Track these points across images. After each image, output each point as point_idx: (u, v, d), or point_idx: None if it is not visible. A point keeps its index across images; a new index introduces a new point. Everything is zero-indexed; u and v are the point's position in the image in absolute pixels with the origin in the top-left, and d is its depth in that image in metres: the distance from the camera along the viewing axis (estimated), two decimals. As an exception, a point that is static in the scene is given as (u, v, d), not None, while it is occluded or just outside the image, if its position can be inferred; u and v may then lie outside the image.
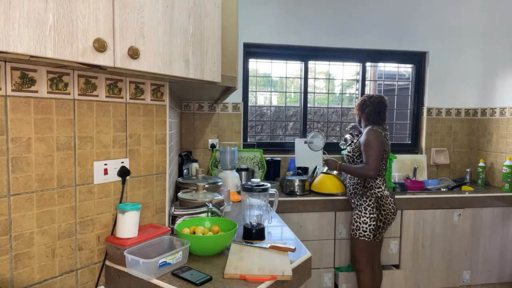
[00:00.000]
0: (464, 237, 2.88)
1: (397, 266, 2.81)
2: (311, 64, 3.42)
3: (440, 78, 3.44)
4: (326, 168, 2.90)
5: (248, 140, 3.31)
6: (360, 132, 2.58)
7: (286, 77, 3.46)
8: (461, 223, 2.86)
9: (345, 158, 2.55)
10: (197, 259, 1.34)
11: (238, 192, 2.45)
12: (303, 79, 3.38)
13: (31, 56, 0.90)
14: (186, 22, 1.27)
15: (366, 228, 2.34)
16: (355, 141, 2.53)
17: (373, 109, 2.44)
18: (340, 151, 3.23)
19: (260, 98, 3.63)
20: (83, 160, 1.26)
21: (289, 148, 3.32)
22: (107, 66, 1.04)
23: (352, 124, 2.82)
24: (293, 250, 1.41)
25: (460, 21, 3.41)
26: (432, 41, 3.39)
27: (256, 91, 3.46)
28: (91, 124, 1.27)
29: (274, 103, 3.58)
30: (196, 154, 3.08)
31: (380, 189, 2.37)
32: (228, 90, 2.00)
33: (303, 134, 3.40)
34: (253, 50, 3.21)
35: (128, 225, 1.30)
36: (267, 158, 3.12)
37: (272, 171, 3.10)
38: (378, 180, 2.39)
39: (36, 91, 1.12)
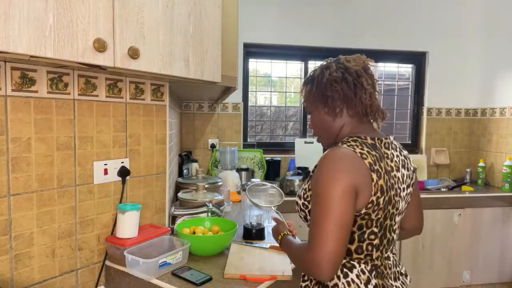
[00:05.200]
0: (464, 237, 2.88)
1: (397, 266, 2.81)
2: (311, 64, 3.41)
3: (440, 78, 3.44)
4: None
5: (248, 140, 3.31)
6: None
7: (286, 77, 3.45)
8: (461, 223, 2.85)
9: (298, 212, 1.14)
10: (197, 259, 1.34)
11: (238, 192, 2.45)
12: (303, 79, 3.37)
13: (31, 56, 0.90)
14: (186, 22, 1.27)
15: None
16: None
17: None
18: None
19: (260, 98, 3.63)
20: (83, 160, 1.26)
21: (289, 148, 3.32)
22: (107, 66, 1.04)
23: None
24: (293, 250, 1.41)
25: (460, 21, 3.41)
26: (432, 41, 3.39)
27: (256, 91, 3.46)
28: (91, 124, 1.27)
29: (274, 103, 3.58)
30: (196, 154, 3.08)
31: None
32: (228, 90, 2.00)
33: (303, 134, 3.40)
34: (253, 50, 3.21)
35: (128, 225, 1.30)
36: (267, 158, 3.12)
37: (272, 171, 3.10)
38: (358, 265, 1.02)
39: (36, 91, 1.12)
